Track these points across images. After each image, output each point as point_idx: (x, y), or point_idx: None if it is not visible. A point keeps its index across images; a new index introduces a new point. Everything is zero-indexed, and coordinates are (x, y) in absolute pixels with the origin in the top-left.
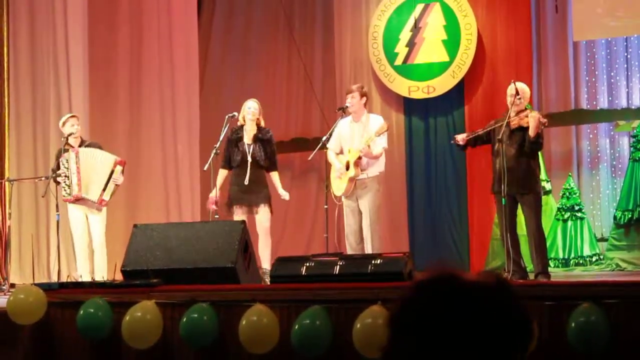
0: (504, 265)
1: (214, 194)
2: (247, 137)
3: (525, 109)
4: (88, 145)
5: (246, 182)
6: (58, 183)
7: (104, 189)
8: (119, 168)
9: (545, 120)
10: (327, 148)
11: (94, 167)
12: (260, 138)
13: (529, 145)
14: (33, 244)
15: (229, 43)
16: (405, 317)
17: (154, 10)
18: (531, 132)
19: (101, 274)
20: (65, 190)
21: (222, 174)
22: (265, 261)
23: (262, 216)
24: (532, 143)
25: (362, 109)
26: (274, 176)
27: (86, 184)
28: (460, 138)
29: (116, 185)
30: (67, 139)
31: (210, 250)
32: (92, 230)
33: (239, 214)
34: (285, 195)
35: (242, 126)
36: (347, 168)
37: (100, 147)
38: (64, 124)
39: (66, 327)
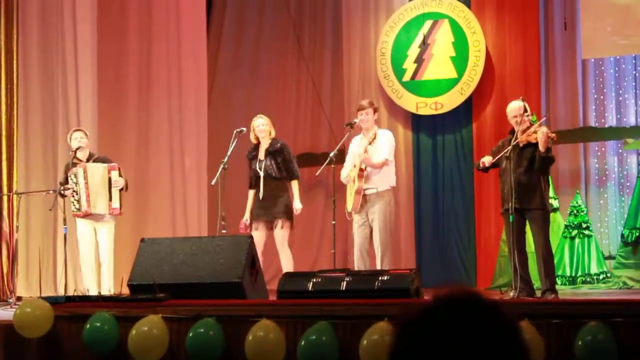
0: (511, 282)
1: (245, 217)
2: (261, 153)
3: (531, 123)
4: (96, 160)
5: (261, 197)
6: (64, 196)
7: (110, 199)
8: (114, 173)
9: (553, 135)
10: (334, 163)
11: (99, 182)
12: (271, 151)
13: (541, 160)
14: (40, 257)
15: (238, 57)
16: (413, 338)
17: (163, 22)
18: (541, 147)
19: (107, 287)
20: (74, 205)
21: (250, 195)
22: None
23: (277, 231)
24: (544, 158)
25: (374, 125)
26: (293, 185)
27: (94, 199)
28: (488, 161)
29: (120, 190)
30: (75, 152)
31: (217, 265)
32: (100, 242)
33: (258, 230)
34: (297, 208)
35: (256, 145)
36: (353, 182)
37: (110, 162)
38: (70, 138)
39: (73, 341)
